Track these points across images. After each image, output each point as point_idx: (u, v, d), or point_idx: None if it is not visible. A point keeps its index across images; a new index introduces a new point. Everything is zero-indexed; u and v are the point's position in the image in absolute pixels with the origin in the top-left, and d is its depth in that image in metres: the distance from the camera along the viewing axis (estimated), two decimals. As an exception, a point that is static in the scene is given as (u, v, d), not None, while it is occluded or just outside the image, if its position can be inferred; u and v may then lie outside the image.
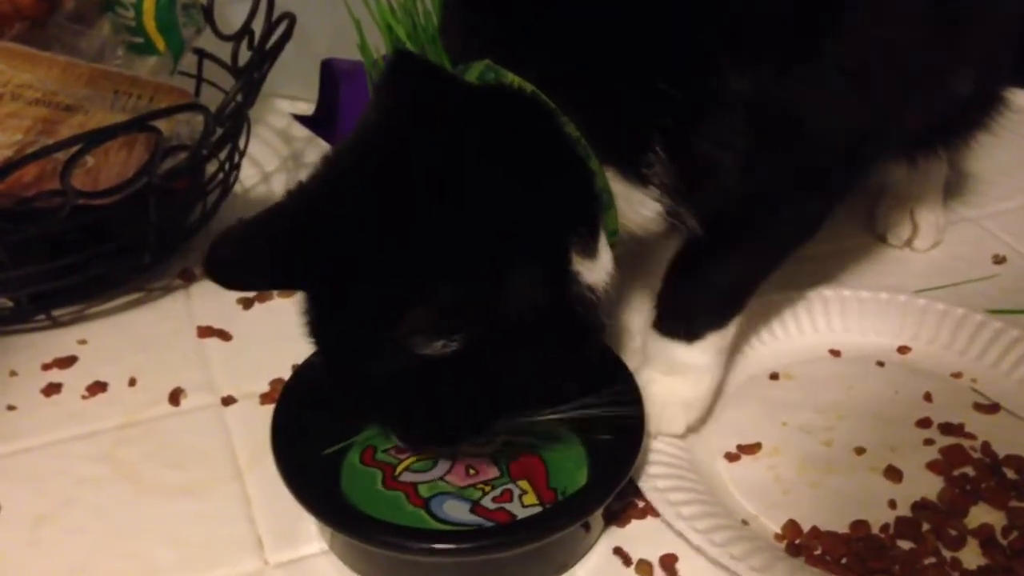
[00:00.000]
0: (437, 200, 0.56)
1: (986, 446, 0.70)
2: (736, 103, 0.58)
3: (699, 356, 0.70)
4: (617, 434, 0.65)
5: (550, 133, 0.58)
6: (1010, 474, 0.68)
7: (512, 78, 0.59)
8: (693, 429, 0.71)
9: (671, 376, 0.70)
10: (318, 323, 0.61)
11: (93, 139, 0.73)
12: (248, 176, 1.05)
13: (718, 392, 0.73)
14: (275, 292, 0.87)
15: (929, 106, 0.74)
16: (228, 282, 0.59)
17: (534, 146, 0.58)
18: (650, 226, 0.63)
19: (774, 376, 0.77)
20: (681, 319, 0.70)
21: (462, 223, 0.56)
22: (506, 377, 0.60)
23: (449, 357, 0.57)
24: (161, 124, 0.78)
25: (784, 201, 0.66)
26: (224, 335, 0.84)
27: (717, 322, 0.70)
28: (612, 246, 0.62)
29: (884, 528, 0.65)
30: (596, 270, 0.60)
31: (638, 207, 0.62)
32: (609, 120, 0.59)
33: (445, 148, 0.57)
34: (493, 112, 0.58)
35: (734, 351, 0.76)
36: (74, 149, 0.72)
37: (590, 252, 0.60)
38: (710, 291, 0.69)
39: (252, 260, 0.58)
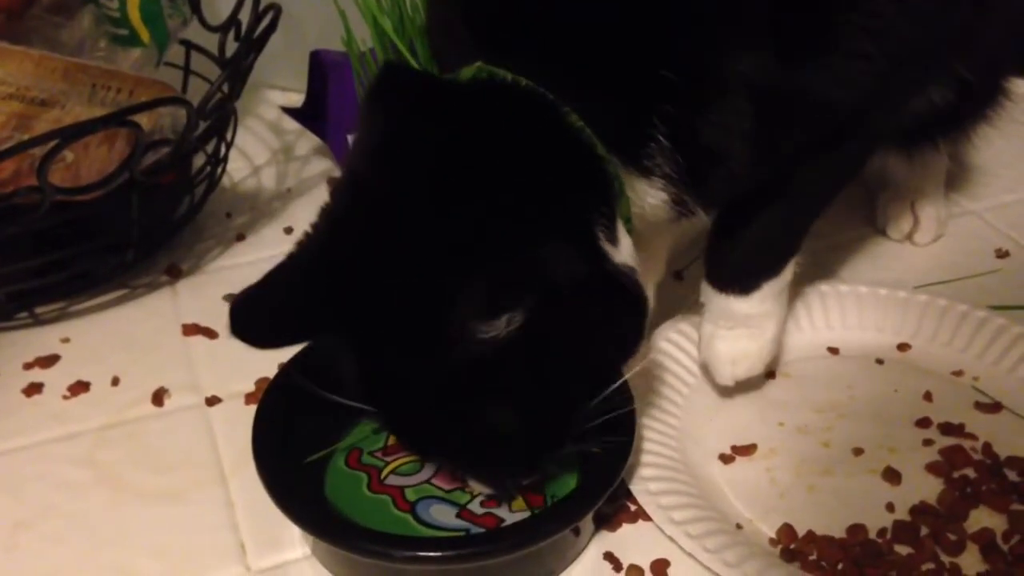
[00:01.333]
0: (456, 194, 0.55)
1: (987, 447, 0.68)
2: (739, 86, 0.57)
3: (758, 305, 0.70)
4: (608, 437, 0.63)
5: (554, 122, 0.57)
6: (1012, 476, 0.66)
7: (506, 74, 0.57)
8: (769, 369, 0.73)
9: (735, 329, 0.70)
10: (369, 365, 0.57)
11: (69, 134, 0.71)
12: (237, 169, 1.03)
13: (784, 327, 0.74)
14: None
15: (933, 92, 0.73)
16: (261, 343, 0.57)
17: (541, 133, 0.57)
18: (658, 214, 0.62)
19: (771, 375, 0.75)
20: (733, 274, 0.70)
21: (486, 206, 0.54)
22: (576, 357, 0.58)
23: (518, 341, 0.54)
24: (142, 118, 0.76)
25: (807, 170, 0.65)
26: (210, 333, 0.82)
27: (770, 272, 0.69)
28: (628, 232, 0.61)
29: (882, 533, 0.63)
30: (621, 253, 0.59)
31: (643, 196, 0.61)
32: (608, 110, 0.58)
33: (454, 146, 0.56)
34: (494, 106, 0.57)
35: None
36: (50, 145, 0.70)
37: (612, 237, 0.59)
38: (756, 245, 0.69)
39: (282, 312, 0.56)
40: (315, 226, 0.57)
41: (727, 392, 0.73)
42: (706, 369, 0.73)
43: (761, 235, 0.68)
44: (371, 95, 0.60)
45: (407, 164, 0.56)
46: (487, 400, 0.56)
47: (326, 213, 0.58)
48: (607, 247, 0.58)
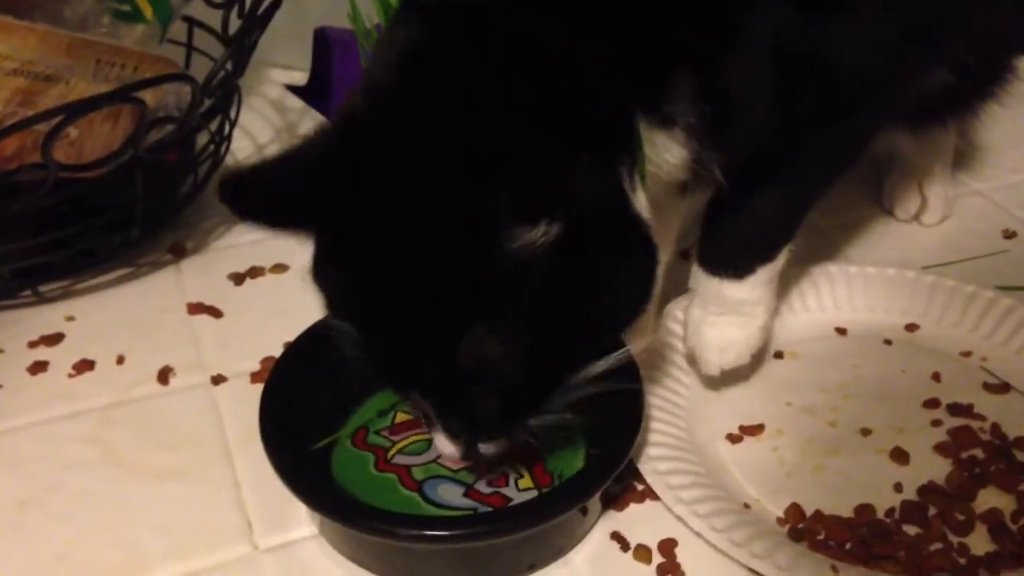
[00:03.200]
0: (485, 106, 0.53)
1: (995, 427, 0.68)
2: (759, 41, 0.57)
3: (750, 291, 0.69)
4: (616, 417, 0.63)
5: (576, 66, 0.55)
6: (1020, 456, 0.66)
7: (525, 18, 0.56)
8: (758, 357, 0.72)
9: (725, 315, 0.69)
10: (362, 271, 0.54)
11: (74, 110, 0.70)
12: (240, 148, 1.02)
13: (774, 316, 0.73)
14: (267, 268, 0.86)
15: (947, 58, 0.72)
16: (245, 214, 0.55)
17: (564, 73, 0.55)
18: (675, 174, 0.61)
19: (778, 355, 0.75)
20: (728, 256, 0.69)
21: (515, 120, 0.52)
22: (585, 299, 0.56)
23: (532, 263, 0.52)
24: (147, 95, 0.75)
25: (816, 138, 0.64)
26: (215, 312, 0.82)
27: (765, 256, 0.69)
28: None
29: (889, 512, 0.63)
30: (640, 204, 0.58)
31: (662, 152, 0.59)
32: (629, 57, 0.57)
33: (481, 63, 0.54)
34: (519, 38, 0.55)
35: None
36: (55, 121, 0.70)
37: (632, 184, 0.58)
38: (754, 226, 0.68)
39: (278, 191, 0.54)
40: (327, 124, 0.56)
41: (734, 371, 0.73)
42: (692, 358, 0.72)
43: (760, 216, 0.67)
44: (394, 19, 0.58)
45: (434, 73, 0.54)
46: (485, 323, 0.53)
47: (340, 113, 0.56)
48: (628, 191, 0.57)
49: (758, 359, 0.73)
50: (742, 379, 0.73)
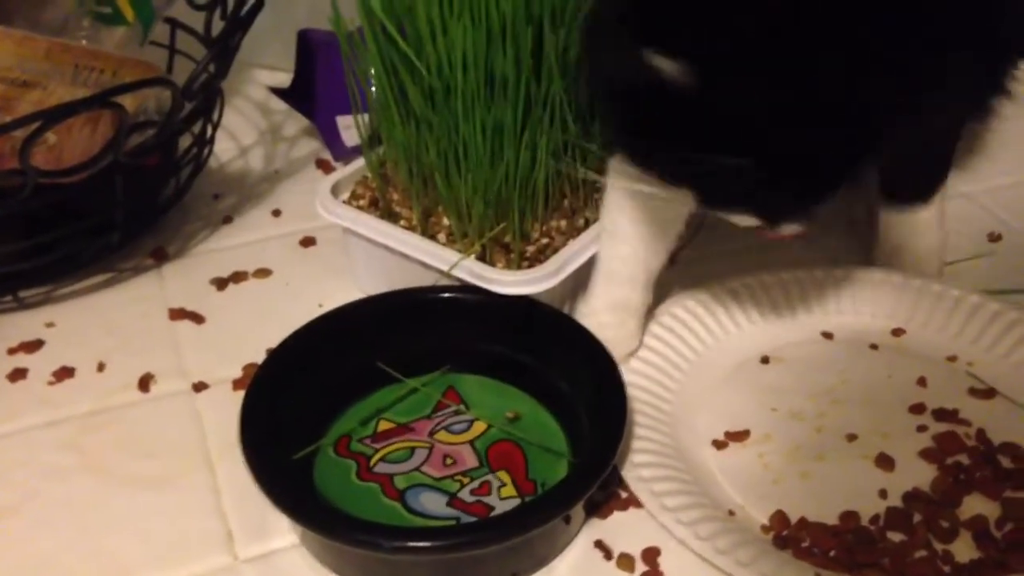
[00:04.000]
0: None
1: (981, 433, 0.68)
2: None
3: (934, 207, 0.79)
4: (599, 423, 0.63)
5: None
6: (1005, 463, 0.66)
7: None
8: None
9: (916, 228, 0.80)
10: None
11: (51, 116, 0.70)
12: (224, 150, 1.02)
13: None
14: (250, 273, 0.85)
15: None
16: None
17: None
18: None
19: (764, 360, 0.75)
20: (914, 191, 0.79)
21: None
22: None
23: None
24: (126, 99, 0.74)
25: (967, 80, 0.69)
26: (196, 318, 0.81)
27: (941, 180, 0.79)
28: None
29: (874, 519, 0.63)
30: None
31: None
32: None
33: None
34: None
35: (721, 334, 0.76)
36: (33, 127, 0.69)
37: None
38: (927, 166, 0.79)
39: None
40: None
41: (720, 378, 0.73)
42: None
43: (929, 158, 0.78)
44: None
45: None
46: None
47: None
48: None
49: (740, 366, 0.73)
50: (728, 384, 0.73)
